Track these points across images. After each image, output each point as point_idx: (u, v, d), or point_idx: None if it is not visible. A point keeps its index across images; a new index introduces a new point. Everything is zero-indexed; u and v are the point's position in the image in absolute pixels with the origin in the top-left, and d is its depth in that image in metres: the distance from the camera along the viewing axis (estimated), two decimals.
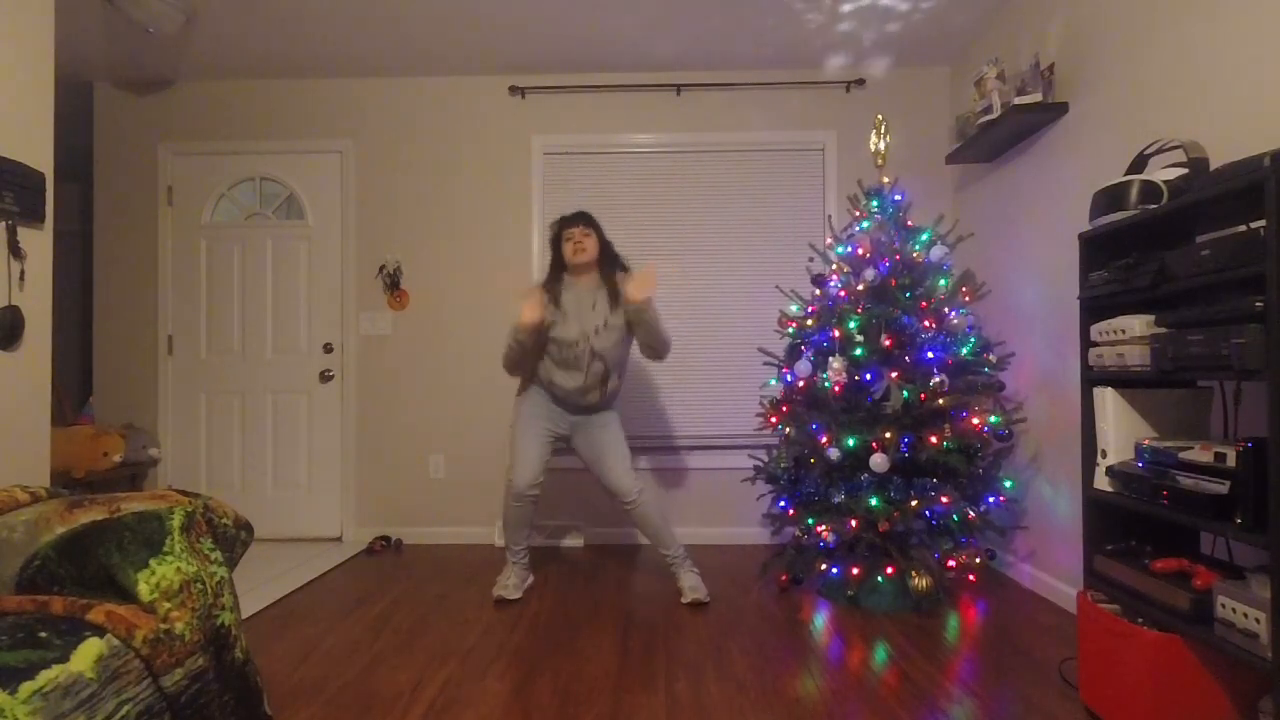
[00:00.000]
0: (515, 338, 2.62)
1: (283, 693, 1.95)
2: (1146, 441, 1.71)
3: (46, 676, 1.13)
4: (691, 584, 2.70)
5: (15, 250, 2.02)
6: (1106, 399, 1.81)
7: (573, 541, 3.64)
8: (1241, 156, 1.58)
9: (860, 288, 2.66)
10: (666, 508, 3.64)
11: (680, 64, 3.62)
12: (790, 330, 2.87)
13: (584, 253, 2.67)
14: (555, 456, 3.62)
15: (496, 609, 2.64)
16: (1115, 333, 1.78)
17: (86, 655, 1.20)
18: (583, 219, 2.73)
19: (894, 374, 2.54)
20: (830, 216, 3.60)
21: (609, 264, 2.74)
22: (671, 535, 2.75)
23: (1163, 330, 1.66)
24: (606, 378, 2.70)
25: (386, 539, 3.60)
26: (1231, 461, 1.44)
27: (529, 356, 2.71)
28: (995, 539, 2.91)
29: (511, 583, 2.76)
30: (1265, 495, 1.35)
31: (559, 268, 2.77)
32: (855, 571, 2.59)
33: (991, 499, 2.64)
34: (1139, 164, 1.87)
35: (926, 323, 2.61)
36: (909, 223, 2.77)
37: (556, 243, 2.76)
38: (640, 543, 3.65)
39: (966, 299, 2.72)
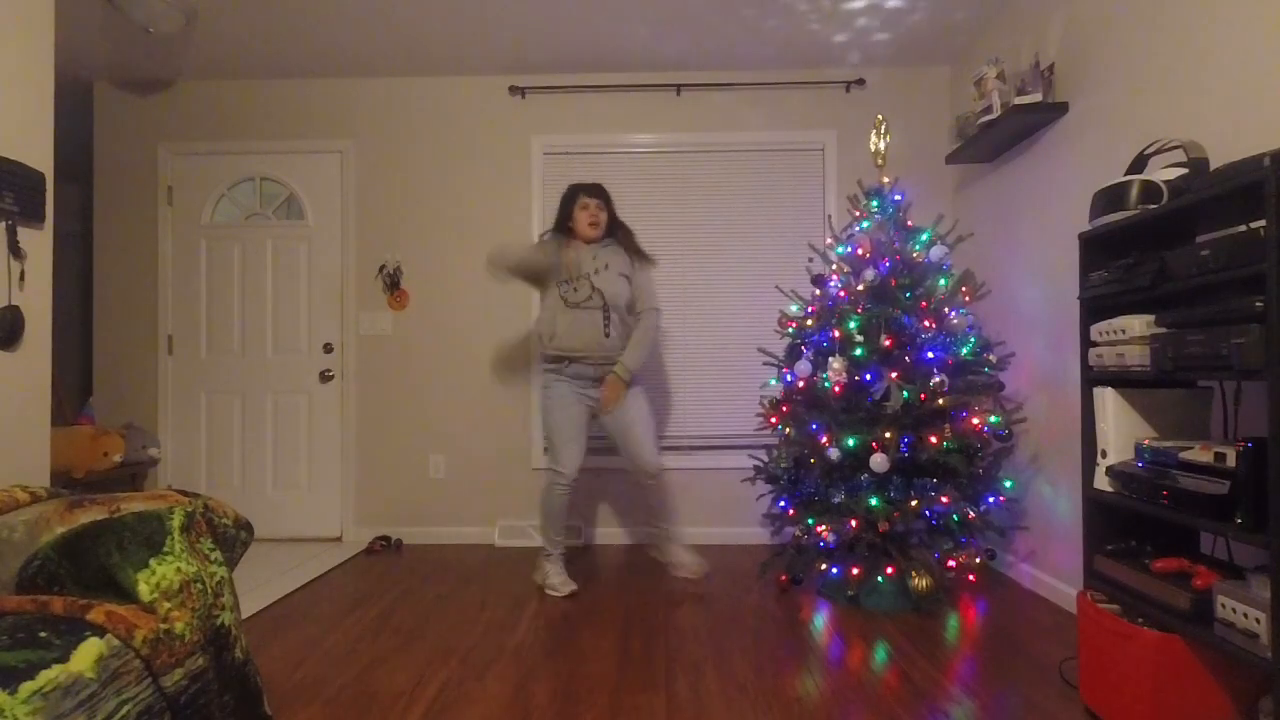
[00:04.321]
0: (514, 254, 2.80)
1: (283, 693, 1.95)
2: (1146, 441, 1.71)
3: (46, 676, 1.13)
4: (684, 560, 2.81)
5: (15, 250, 2.02)
6: (1106, 399, 1.81)
7: (572, 541, 3.64)
8: (1241, 156, 1.58)
9: (860, 288, 2.66)
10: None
11: (680, 64, 3.62)
12: (790, 330, 2.87)
13: (597, 228, 2.78)
14: None
15: (497, 608, 2.64)
16: (1115, 333, 1.78)
17: (86, 655, 1.20)
18: (601, 193, 2.82)
19: (894, 374, 2.54)
20: (830, 216, 3.60)
21: (614, 229, 2.85)
22: (671, 511, 2.85)
23: (1163, 330, 1.66)
24: (609, 319, 2.72)
25: (386, 539, 3.60)
26: (1231, 461, 1.44)
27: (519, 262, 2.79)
28: (995, 539, 2.91)
29: (561, 578, 2.82)
30: (1265, 495, 1.35)
31: (564, 229, 2.84)
32: (855, 571, 2.59)
33: (991, 499, 2.64)
34: (1139, 164, 1.87)
35: (926, 323, 2.61)
36: (909, 223, 2.77)
37: (568, 204, 2.82)
38: (638, 543, 3.65)
39: (966, 299, 2.72)
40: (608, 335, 2.71)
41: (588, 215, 2.77)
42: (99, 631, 1.25)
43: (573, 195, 2.81)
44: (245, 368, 3.77)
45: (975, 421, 2.57)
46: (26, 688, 1.10)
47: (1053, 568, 2.72)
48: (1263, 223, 1.35)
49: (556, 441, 2.76)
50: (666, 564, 2.86)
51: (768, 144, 3.69)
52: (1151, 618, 1.64)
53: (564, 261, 2.75)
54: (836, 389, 2.59)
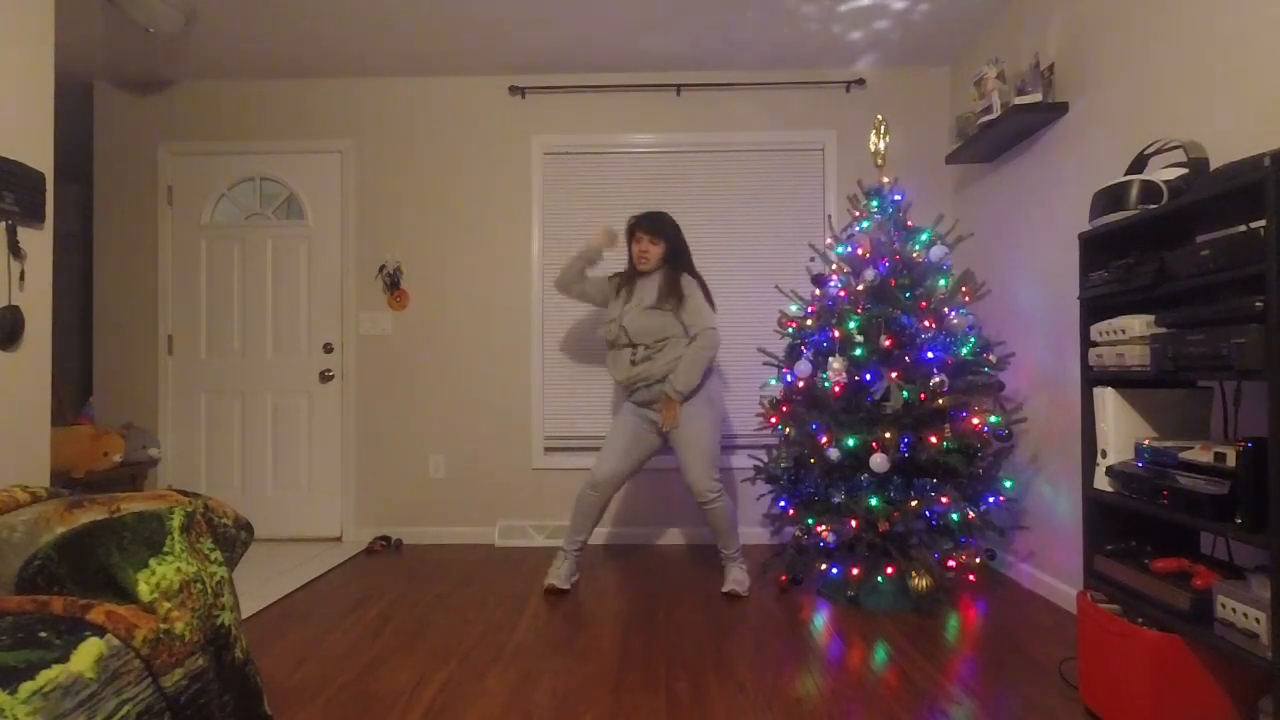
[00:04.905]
0: (577, 256, 2.93)
1: (283, 693, 1.95)
2: (1146, 441, 1.71)
3: (46, 676, 1.13)
4: (735, 577, 2.80)
5: (15, 250, 2.02)
6: (1106, 399, 1.81)
7: None
8: (1241, 156, 1.58)
9: (860, 288, 2.66)
10: (666, 508, 3.65)
11: (680, 64, 3.62)
12: (790, 330, 2.87)
13: (646, 262, 2.80)
14: (567, 454, 3.65)
15: (497, 608, 2.64)
16: (1115, 333, 1.78)
17: (86, 655, 1.20)
18: (650, 226, 2.81)
19: (894, 374, 2.54)
20: (830, 216, 3.60)
21: (671, 262, 2.81)
22: (734, 537, 2.83)
23: (1163, 330, 1.66)
24: (635, 351, 2.75)
25: (386, 539, 3.60)
26: (1231, 461, 1.44)
27: (574, 277, 2.94)
28: (995, 539, 2.91)
29: (563, 572, 2.83)
30: (1265, 495, 1.35)
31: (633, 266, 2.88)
32: (855, 571, 2.59)
33: (991, 499, 2.64)
34: (1139, 164, 1.87)
35: (926, 323, 2.61)
36: (909, 223, 2.77)
37: (628, 239, 2.87)
38: (639, 543, 3.65)
39: (966, 299, 2.72)
40: (634, 364, 2.76)
41: (638, 249, 2.81)
42: (99, 631, 1.25)
43: (630, 230, 2.85)
44: (245, 368, 3.77)
45: (975, 421, 2.57)
46: (26, 688, 1.10)
47: (1053, 568, 2.72)
48: (1263, 223, 1.35)
49: (602, 448, 2.83)
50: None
51: (768, 144, 3.69)
52: (1151, 618, 1.64)
53: (611, 304, 2.87)
54: (836, 389, 2.59)
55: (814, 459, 2.69)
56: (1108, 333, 1.80)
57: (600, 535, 3.66)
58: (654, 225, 2.81)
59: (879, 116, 2.93)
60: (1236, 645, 1.40)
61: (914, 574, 2.54)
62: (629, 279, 2.87)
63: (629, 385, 2.80)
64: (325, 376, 3.75)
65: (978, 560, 2.68)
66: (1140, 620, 1.66)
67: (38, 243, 2.11)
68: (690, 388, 2.70)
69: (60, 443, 3.16)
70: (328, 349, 3.75)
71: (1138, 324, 1.71)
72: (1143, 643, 1.62)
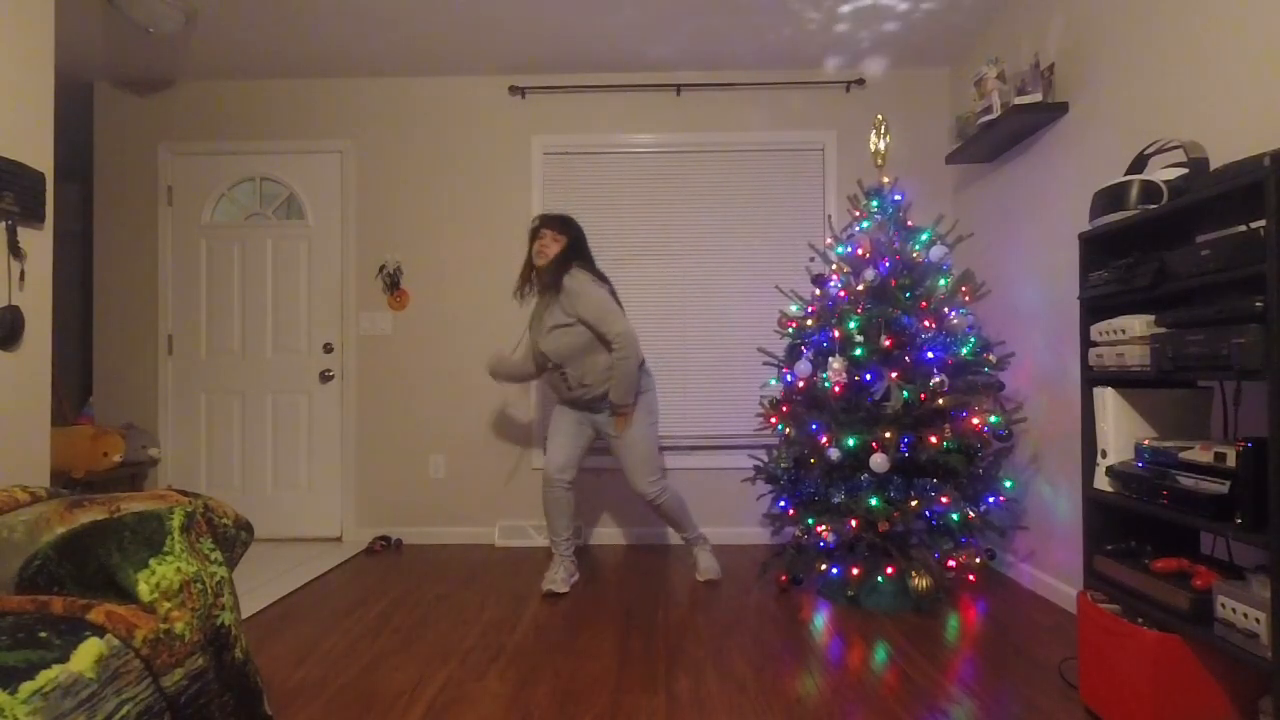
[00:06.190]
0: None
1: (283, 693, 1.95)
2: (1146, 441, 1.71)
3: (46, 676, 1.13)
4: (706, 564, 2.90)
5: (15, 250, 2.02)
6: (1106, 399, 1.81)
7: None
8: (1241, 156, 1.58)
9: (860, 288, 2.66)
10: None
11: (680, 64, 3.62)
12: (790, 330, 2.87)
13: (544, 257, 2.75)
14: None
15: (497, 608, 2.64)
16: (1115, 333, 1.78)
17: (86, 655, 1.20)
18: (554, 223, 2.77)
19: (894, 374, 2.54)
20: (830, 216, 3.60)
21: (562, 264, 2.72)
22: (689, 521, 2.91)
23: (1163, 330, 1.66)
24: (565, 374, 2.77)
25: (386, 539, 3.60)
26: (1231, 461, 1.44)
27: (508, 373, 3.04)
28: (995, 539, 2.91)
29: (559, 576, 2.84)
30: (1265, 495, 1.35)
31: (531, 263, 2.83)
32: (855, 571, 2.59)
33: (991, 499, 2.64)
34: (1139, 164, 1.87)
35: (926, 323, 2.61)
36: (909, 223, 2.77)
37: (532, 237, 2.81)
38: (638, 543, 3.65)
39: (966, 299, 2.72)
40: (570, 388, 2.79)
41: (538, 245, 2.75)
42: (99, 631, 1.25)
43: (534, 230, 2.79)
44: (245, 368, 3.77)
45: (975, 421, 2.57)
46: (26, 688, 1.10)
47: (1053, 568, 2.72)
48: (1263, 223, 1.35)
49: (549, 443, 2.87)
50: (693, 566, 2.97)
51: (768, 144, 3.69)
52: (1151, 618, 1.64)
53: (534, 314, 2.85)
54: (836, 389, 2.59)
55: (814, 459, 2.69)
56: (1108, 333, 1.80)
57: (602, 535, 3.66)
58: (558, 222, 2.77)
59: (879, 116, 2.93)
60: (1236, 645, 1.40)
61: (914, 574, 2.54)
62: (531, 282, 2.84)
63: (573, 402, 2.84)
64: (325, 376, 3.75)
65: (978, 560, 2.68)
66: (1140, 620, 1.66)
67: (38, 243, 2.11)
68: (632, 397, 2.72)
69: (60, 443, 3.16)
70: (328, 349, 3.75)
71: (1138, 324, 1.71)
72: (1143, 643, 1.62)
